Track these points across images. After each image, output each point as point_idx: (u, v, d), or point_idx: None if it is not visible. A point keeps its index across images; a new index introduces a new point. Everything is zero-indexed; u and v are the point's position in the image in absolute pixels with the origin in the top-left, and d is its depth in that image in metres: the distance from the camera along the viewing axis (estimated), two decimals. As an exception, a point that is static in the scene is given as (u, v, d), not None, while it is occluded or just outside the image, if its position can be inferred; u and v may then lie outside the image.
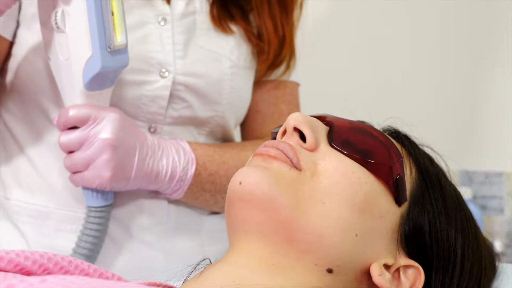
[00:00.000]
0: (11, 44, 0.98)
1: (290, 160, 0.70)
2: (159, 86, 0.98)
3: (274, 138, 0.76)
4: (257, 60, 1.09)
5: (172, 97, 1.00)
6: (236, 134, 1.17)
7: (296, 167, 0.69)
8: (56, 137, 0.92)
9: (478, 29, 2.08)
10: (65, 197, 1.00)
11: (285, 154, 0.70)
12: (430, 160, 0.79)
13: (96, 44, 0.85)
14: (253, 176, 0.68)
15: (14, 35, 0.98)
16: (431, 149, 0.80)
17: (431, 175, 0.75)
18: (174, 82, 0.99)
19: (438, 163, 0.79)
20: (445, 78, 2.10)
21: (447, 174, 0.79)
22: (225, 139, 1.12)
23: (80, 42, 0.86)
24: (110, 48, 0.85)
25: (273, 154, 0.70)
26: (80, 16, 0.85)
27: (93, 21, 0.84)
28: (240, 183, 0.69)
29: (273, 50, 1.07)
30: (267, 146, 0.71)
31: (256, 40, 1.07)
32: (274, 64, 1.09)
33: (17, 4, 0.96)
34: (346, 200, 0.68)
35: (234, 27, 1.06)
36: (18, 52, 0.98)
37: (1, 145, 1.05)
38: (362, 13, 2.04)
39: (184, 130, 1.04)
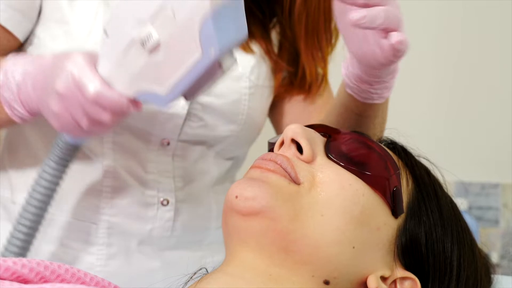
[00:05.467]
0: (24, 43, 0.97)
1: (289, 175, 0.69)
2: (177, 104, 0.96)
3: (272, 149, 0.76)
4: (274, 77, 1.08)
5: (189, 115, 0.98)
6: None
7: (295, 181, 0.69)
8: None
9: (474, 39, 2.09)
10: (70, 205, 1.00)
11: (283, 168, 0.70)
12: (427, 171, 0.79)
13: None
14: (250, 190, 0.68)
15: (31, 35, 0.96)
16: (428, 160, 0.80)
17: (427, 186, 0.76)
18: (192, 101, 0.97)
19: (435, 174, 0.79)
20: (441, 89, 2.11)
21: (443, 185, 0.79)
22: (236, 158, 1.11)
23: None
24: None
25: (271, 168, 0.70)
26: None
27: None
28: (237, 197, 0.68)
29: (313, 89, 1.08)
30: (265, 159, 0.71)
31: (276, 57, 1.06)
32: (310, 96, 1.10)
33: (35, 5, 0.95)
34: (344, 212, 0.68)
35: (254, 46, 1.05)
36: (34, 53, 0.96)
37: (12, 148, 1.04)
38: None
39: (195, 147, 1.03)
